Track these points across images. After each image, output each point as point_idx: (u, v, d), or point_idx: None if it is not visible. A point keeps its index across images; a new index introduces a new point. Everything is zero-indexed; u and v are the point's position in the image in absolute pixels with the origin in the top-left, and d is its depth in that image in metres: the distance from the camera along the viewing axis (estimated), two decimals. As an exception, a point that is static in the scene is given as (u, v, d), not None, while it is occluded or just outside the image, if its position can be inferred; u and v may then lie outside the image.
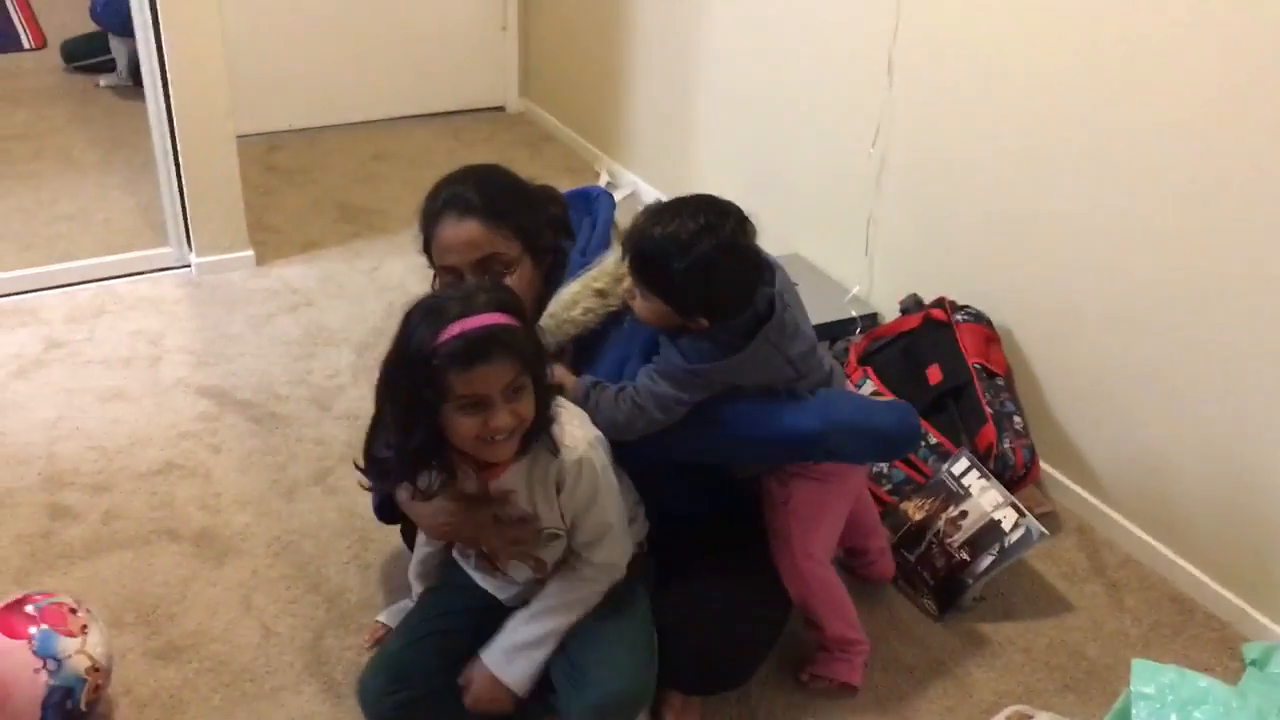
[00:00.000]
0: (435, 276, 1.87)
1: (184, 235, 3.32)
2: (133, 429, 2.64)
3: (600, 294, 1.81)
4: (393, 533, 2.28)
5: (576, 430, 1.71)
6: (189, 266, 3.33)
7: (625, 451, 1.81)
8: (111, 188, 3.81)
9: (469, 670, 1.83)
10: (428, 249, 1.86)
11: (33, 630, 1.77)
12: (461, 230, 1.79)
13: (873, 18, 2.75)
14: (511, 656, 1.80)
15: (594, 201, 1.97)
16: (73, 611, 1.85)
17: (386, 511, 1.98)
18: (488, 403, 1.58)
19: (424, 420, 1.60)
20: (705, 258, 1.67)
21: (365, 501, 2.38)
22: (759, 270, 1.76)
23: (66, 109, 4.45)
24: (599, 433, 1.74)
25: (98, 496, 2.42)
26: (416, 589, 2.01)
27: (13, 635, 1.76)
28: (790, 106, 3.15)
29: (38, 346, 2.94)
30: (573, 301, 1.81)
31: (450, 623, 1.89)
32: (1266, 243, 2.02)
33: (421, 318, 1.59)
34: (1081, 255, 2.37)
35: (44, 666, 1.75)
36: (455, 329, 1.55)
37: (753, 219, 1.74)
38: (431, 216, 1.84)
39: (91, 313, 3.12)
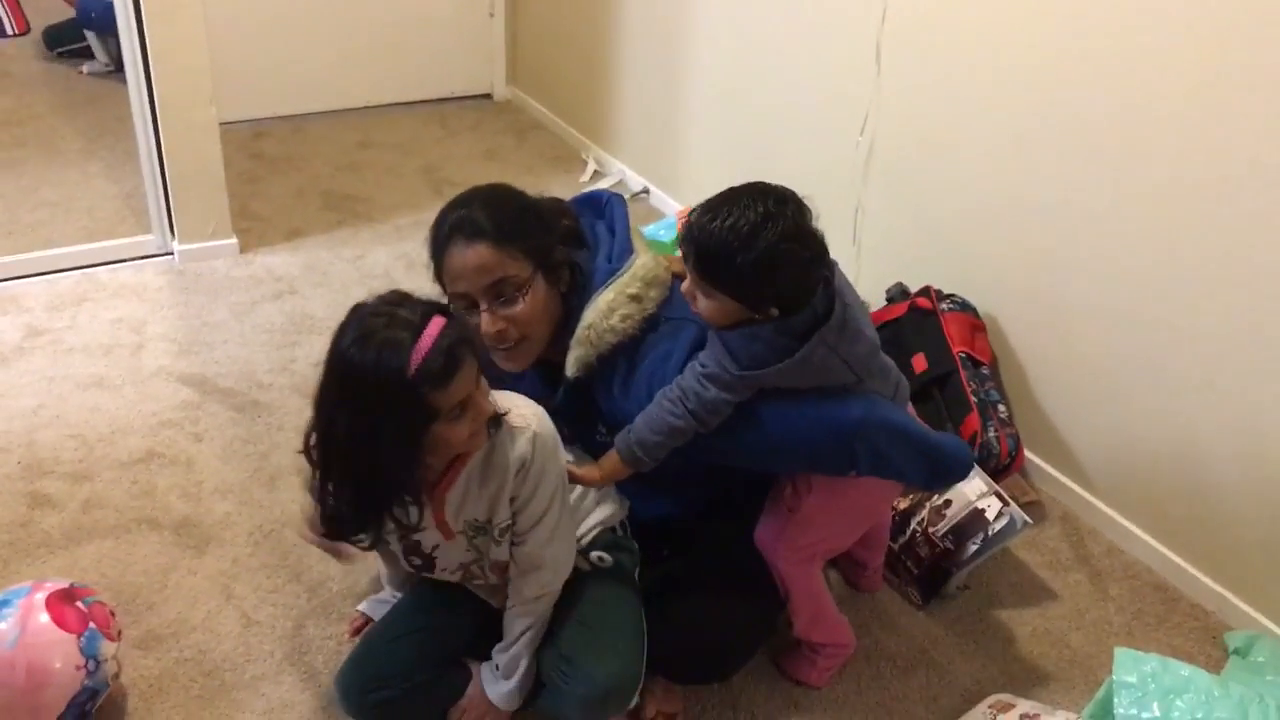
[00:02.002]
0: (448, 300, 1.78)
1: (167, 223, 3.29)
2: (113, 417, 2.62)
3: (635, 299, 1.76)
4: (375, 521, 2.27)
5: (524, 408, 1.71)
6: (172, 254, 3.31)
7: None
8: (94, 175, 3.79)
9: (460, 705, 1.86)
10: (439, 277, 1.79)
11: (85, 627, 1.78)
12: (470, 256, 1.73)
13: (860, 4, 2.73)
14: (495, 685, 1.82)
15: (605, 206, 1.92)
16: (112, 615, 1.87)
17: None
18: (470, 400, 1.58)
19: (403, 450, 1.56)
20: (771, 248, 1.60)
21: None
22: (824, 255, 1.68)
23: (49, 96, 4.42)
24: (541, 409, 1.73)
25: (78, 485, 2.40)
26: (391, 591, 2.02)
27: (65, 627, 1.77)
28: (778, 95, 3.14)
29: (18, 334, 2.92)
30: (609, 310, 1.75)
31: (430, 620, 1.88)
32: (1252, 233, 2.02)
33: (376, 360, 1.51)
34: (1068, 245, 2.37)
35: (84, 666, 1.76)
36: (419, 354, 1.51)
37: (808, 201, 1.66)
38: (440, 243, 1.77)
39: (73, 300, 3.09)
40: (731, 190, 1.66)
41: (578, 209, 1.91)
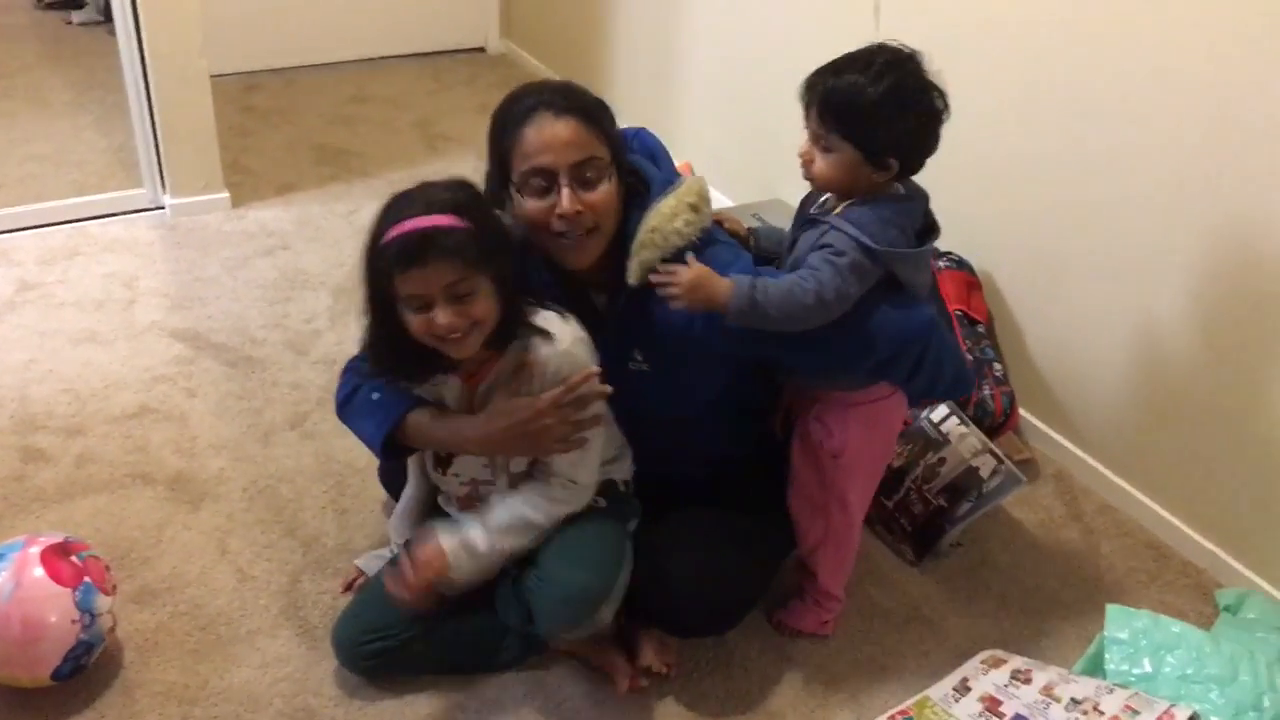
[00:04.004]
0: (511, 198, 1.74)
1: (158, 177, 3.26)
2: (106, 372, 2.61)
3: (694, 208, 1.75)
4: (370, 478, 2.27)
5: (558, 325, 1.71)
6: (163, 208, 3.28)
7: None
8: (84, 128, 3.75)
9: (419, 535, 1.80)
10: (504, 161, 1.74)
11: (80, 581, 1.78)
12: (561, 129, 1.68)
13: (858, -42, 2.70)
14: (463, 547, 1.75)
15: (634, 139, 1.90)
16: (108, 569, 1.87)
17: (390, 449, 1.83)
18: (430, 303, 1.60)
19: (388, 314, 1.65)
20: (897, 84, 1.65)
21: (343, 446, 2.39)
22: (945, 112, 1.71)
23: (38, 47, 4.37)
24: (584, 333, 1.73)
25: (71, 440, 2.40)
26: (396, 540, 1.99)
27: (60, 581, 1.77)
28: (775, 49, 3.10)
29: (9, 288, 2.90)
30: (673, 214, 1.74)
31: None
32: (1249, 190, 2.01)
33: (383, 211, 1.63)
34: (1063, 204, 2.36)
35: (79, 619, 1.76)
36: (396, 230, 1.58)
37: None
38: (518, 119, 1.71)
39: (64, 254, 3.07)
40: (847, 54, 1.71)
41: None
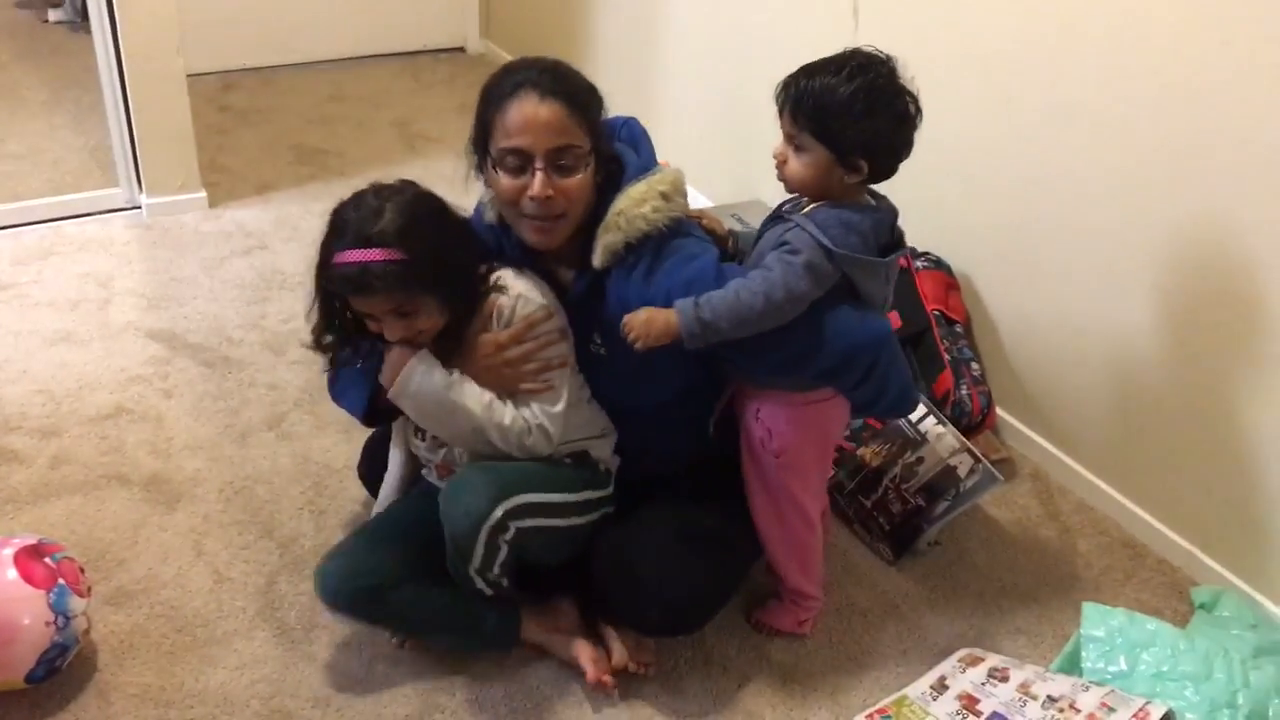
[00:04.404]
0: (487, 169, 1.76)
1: (134, 176, 3.25)
2: (81, 373, 2.59)
3: (665, 197, 1.76)
4: (348, 478, 2.27)
5: (511, 279, 1.80)
6: (139, 208, 3.26)
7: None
8: (60, 127, 3.72)
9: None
10: (485, 135, 1.75)
11: (54, 583, 1.77)
12: (544, 111, 1.68)
13: (837, -42, 2.71)
14: (428, 367, 1.77)
15: (622, 128, 1.90)
16: (82, 571, 1.86)
17: (373, 412, 1.91)
18: (379, 319, 1.72)
19: (338, 313, 1.79)
20: (869, 85, 1.67)
21: (320, 446, 2.39)
22: (917, 117, 1.72)
23: (13, 46, 4.34)
24: (541, 283, 1.82)
25: (45, 441, 2.38)
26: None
27: (33, 583, 1.75)
28: (755, 50, 3.11)
29: (-17, 288, 2.88)
30: (642, 199, 1.75)
31: (414, 530, 1.87)
32: (1215, 193, 2.02)
33: (329, 224, 1.73)
34: (1041, 205, 2.37)
35: (54, 621, 1.75)
36: (339, 259, 1.68)
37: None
38: (504, 94, 1.71)
39: (39, 254, 3.05)
40: (826, 56, 1.73)
41: None
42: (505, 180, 1.73)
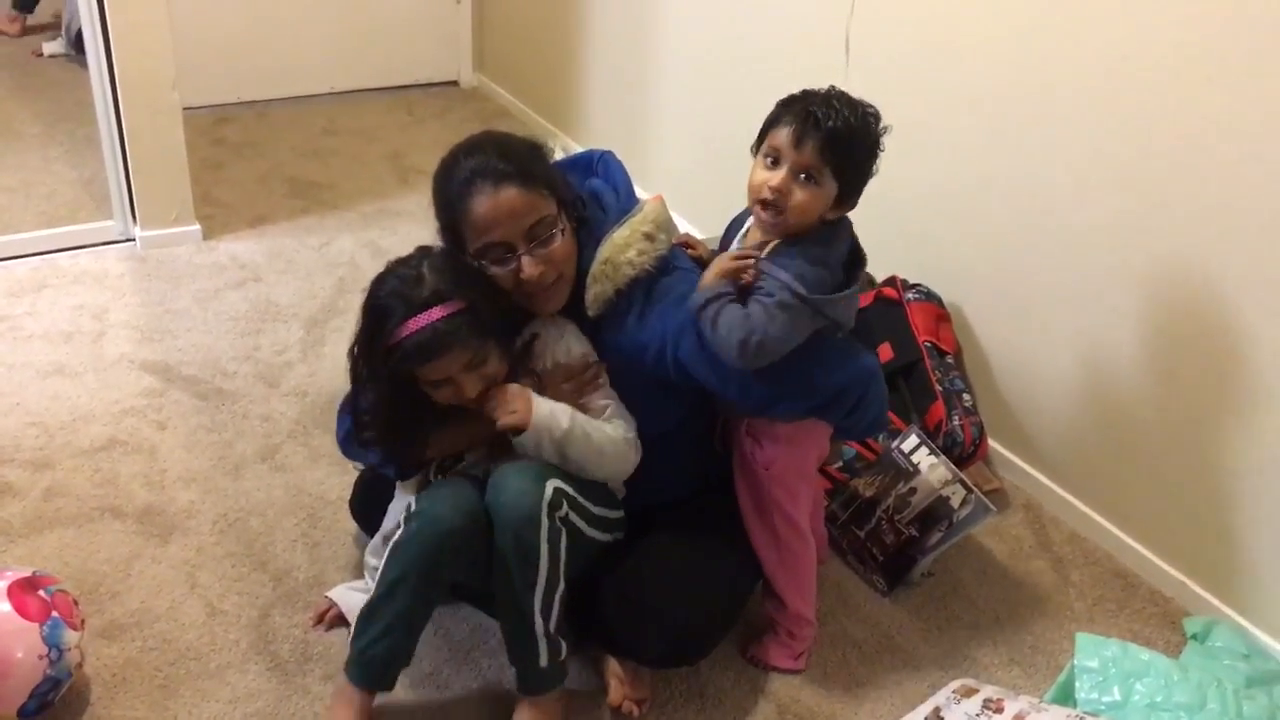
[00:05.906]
0: (477, 261, 1.75)
1: (128, 208, 3.25)
2: (75, 405, 2.59)
3: (649, 238, 1.78)
4: (341, 510, 2.27)
5: (541, 325, 1.84)
6: (133, 240, 3.27)
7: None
8: (54, 159, 3.73)
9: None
10: (456, 234, 1.75)
11: (48, 616, 1.76)
12: (503, 201, 1.69)
13: (827, -5, 2.74)
14: (550, 404, 1.76)
15: (598, 163, 1.92)
16: (76, 603, 1.85)
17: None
18: (453, 381, 1.70)
19: (399, 395, 1.74)
20: (877, 128, 1.73)
21: (314, 478, 2.39)
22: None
23: (7, 79, 4.35)
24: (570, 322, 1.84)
25: (39, 473, 2.37)
26: (373, 564, 1.98)
27: (27, 616, 1.75)
28: (746, 84, 3.14)
29: (-23, 321, 2.88)
30: (625, 244, 1.76)
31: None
32: (1211, 230, 2.04)
33: (371, 322, 1.71)
34: (1033, 237, 2.39)
35: (47, 655, 1.74)
36: (403, 331, 1.66)
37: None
38: (457, 195, 1.72)
39: (32, 286, 3.05)
40: (826, 91, 1.74)
41: (566, 171, 1.89)
42: (496, 270, 1.74)
